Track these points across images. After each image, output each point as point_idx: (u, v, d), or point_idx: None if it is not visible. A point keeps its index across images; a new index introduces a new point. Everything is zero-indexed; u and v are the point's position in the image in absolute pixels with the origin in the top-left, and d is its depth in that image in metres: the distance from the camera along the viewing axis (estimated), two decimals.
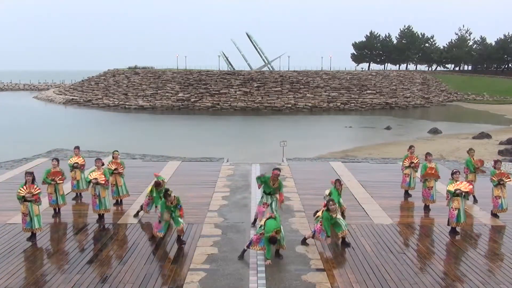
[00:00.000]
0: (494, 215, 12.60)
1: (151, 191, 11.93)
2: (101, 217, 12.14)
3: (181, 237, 10.46)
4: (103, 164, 12.54)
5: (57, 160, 12.98)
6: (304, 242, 10.52)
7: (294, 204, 13.66)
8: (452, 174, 11.32)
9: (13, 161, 20.58)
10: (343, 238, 10.46)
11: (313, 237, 10.38)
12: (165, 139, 40.08)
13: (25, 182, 10.52)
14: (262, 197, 11.42)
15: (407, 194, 14.59)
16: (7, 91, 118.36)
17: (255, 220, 11.65)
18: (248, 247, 9.60)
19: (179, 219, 10.39)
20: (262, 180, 11.25)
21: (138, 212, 12.43)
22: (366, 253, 10.11)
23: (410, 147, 14.87)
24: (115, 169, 13.28)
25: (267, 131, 47.28)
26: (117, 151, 13.96)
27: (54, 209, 12.63)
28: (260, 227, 9.58)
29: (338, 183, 11.51)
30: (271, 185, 11.18)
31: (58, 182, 12.48)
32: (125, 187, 13.59)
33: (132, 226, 11.80)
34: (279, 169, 11.51)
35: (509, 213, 12.61)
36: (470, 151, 14.41)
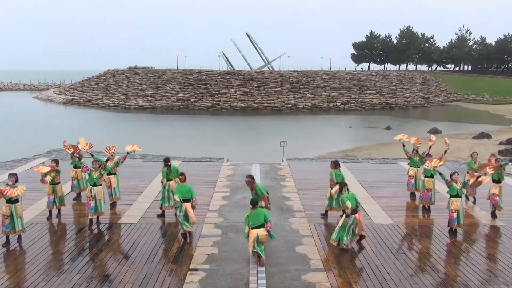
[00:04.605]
0: (493, 214, 12.61)
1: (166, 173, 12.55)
2: (91, 222, 11.80)
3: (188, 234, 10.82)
4: (99, 166, 12.48)
5: (56, 161, 12.74)
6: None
7: (294, 204, 13.66)
8: (451, 175, 11.34)
9: (13, 161, 20.58)
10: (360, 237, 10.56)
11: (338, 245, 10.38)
12: (165, 139, 40.02)
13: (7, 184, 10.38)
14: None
15: (412, 196, 14.50)
16: (7, 91, 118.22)
17: None
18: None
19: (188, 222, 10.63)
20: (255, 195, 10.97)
21: (162, 212, 12.59)
22: (366, 253, 10.12)
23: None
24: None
25: (267, 131, 47.20)
26: None
27: (50, 211, 12.45)
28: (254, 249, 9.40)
29: (333, 164, 12.06)
30: (253, 194, 10.76)
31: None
32: (118, 189, 13.40)
33: (132, 226, 11.80)
34: (250, 176, 11.16)
35: (509, 213, 12.63)
36: (474, 154, 14.44)
